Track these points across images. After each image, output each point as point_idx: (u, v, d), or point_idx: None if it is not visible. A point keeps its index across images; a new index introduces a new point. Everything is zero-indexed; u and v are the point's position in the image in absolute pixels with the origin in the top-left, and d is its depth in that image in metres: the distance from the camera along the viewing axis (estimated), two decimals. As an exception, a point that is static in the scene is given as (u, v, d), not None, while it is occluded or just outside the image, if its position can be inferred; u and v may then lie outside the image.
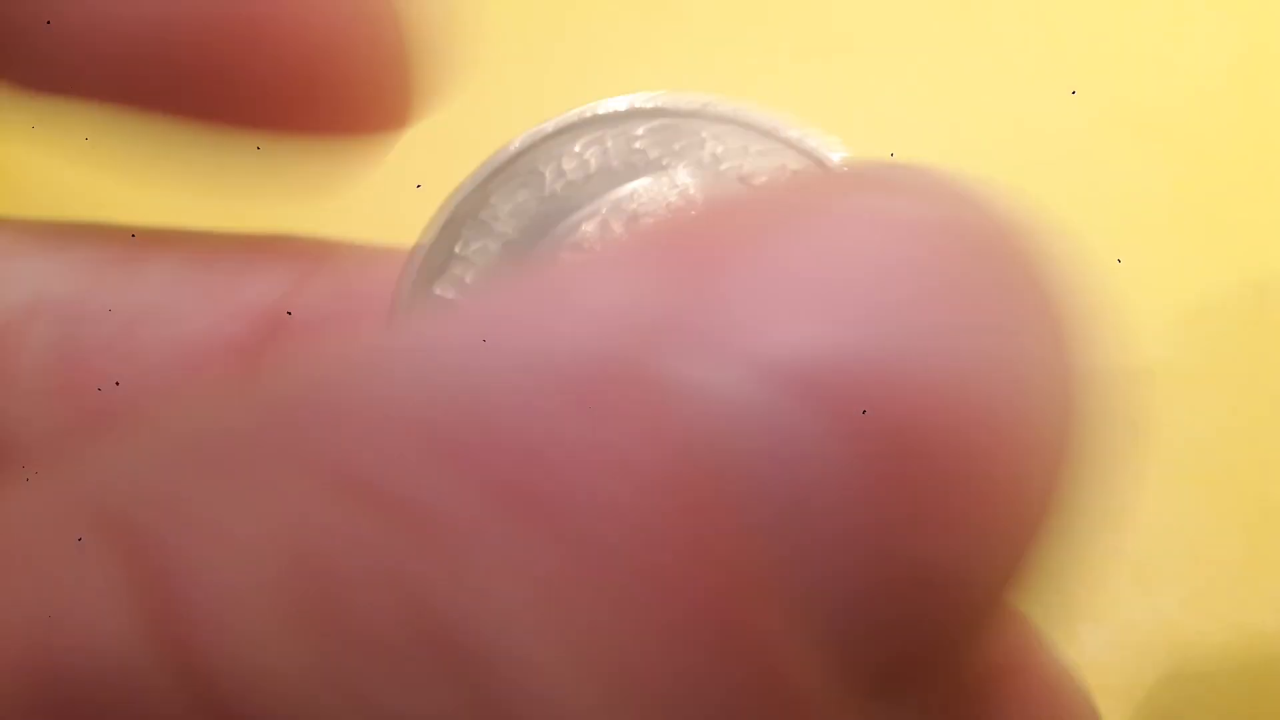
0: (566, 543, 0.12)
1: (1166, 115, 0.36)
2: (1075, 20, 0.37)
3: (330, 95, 0.20)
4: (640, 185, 0.21)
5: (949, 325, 0.13)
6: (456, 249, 0.20)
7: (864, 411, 0.12)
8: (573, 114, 0.20)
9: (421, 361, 0.13)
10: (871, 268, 0.13)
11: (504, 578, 0.12)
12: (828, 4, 0.37)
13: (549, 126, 0.20)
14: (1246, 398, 0.34)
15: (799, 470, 0.13)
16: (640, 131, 0.21)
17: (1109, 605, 0.32)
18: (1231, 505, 0.33)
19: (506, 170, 0.20)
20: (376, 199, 0.26)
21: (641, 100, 0.20)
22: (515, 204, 0.21)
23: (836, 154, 0.20)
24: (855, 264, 0.13)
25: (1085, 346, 0.13)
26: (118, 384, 0.20)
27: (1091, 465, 0.13)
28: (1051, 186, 0.36)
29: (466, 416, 0.13)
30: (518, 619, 0.12)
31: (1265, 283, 0.34)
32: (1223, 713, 0.31)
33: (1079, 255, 0.14)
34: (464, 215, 0.20)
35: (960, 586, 0.14)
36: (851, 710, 0.13)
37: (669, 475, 0.13)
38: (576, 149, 0.21)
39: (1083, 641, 0.32)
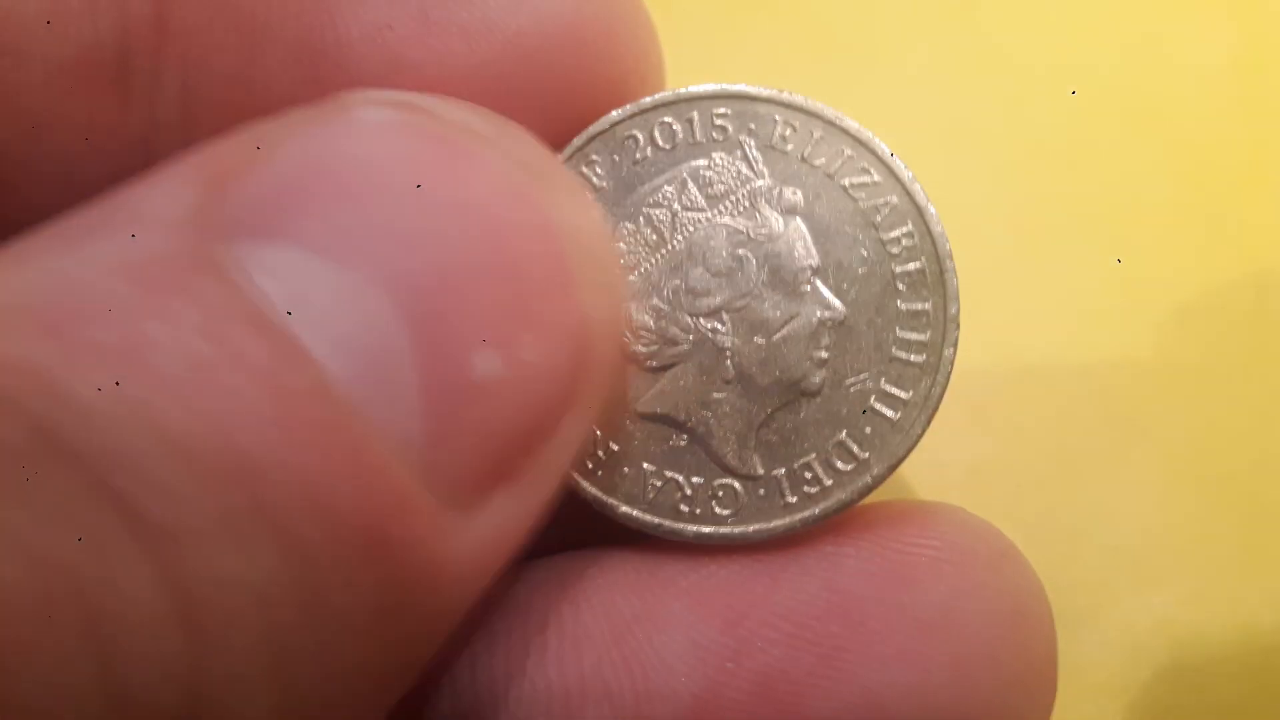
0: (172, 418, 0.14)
1: (1166, 114, 0.36)
2: (1075, 20, 0.37)
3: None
4: (717, 156, 0.23)
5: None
6: None
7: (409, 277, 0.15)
8: (667, 93, 0.23)
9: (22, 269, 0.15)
10: None
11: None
12: (828, 6, 0.37)
13: (647, 101, 0.23)
14: (1244, 397, 0.34)
15: (363, 333, 0.15)
16: (721, 111, 0.23)
17: (1107, 605, 0.32)
18: (1229, 504, 0.33)
19: (607, 134, 0.23)
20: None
21: (725, 86, 0.23)
22: (612, 163, 0.23)
23: (884, 146, 0.23)
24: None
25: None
26: None
27: None
28: (1052, 186, 0.35)
29: (63, 310, 0.14)
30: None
31: (1264, 281, 0.34)
32: (1221, 710, 0.31)
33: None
34: (570, 168, 0.23)
35: (513, 406, 0.16)
36: (447, 514, 0.16)
37: (257, 350, 0.14)
38: (668, 120, 0.23)
39: (1081, 641, 0.31)
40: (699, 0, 0.37)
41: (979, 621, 0.21)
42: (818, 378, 0.23)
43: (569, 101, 0.22)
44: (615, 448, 0.23)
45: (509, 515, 0.18)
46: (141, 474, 0.13)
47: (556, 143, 0.23)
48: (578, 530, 0.24)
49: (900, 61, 0.37)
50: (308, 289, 0.15)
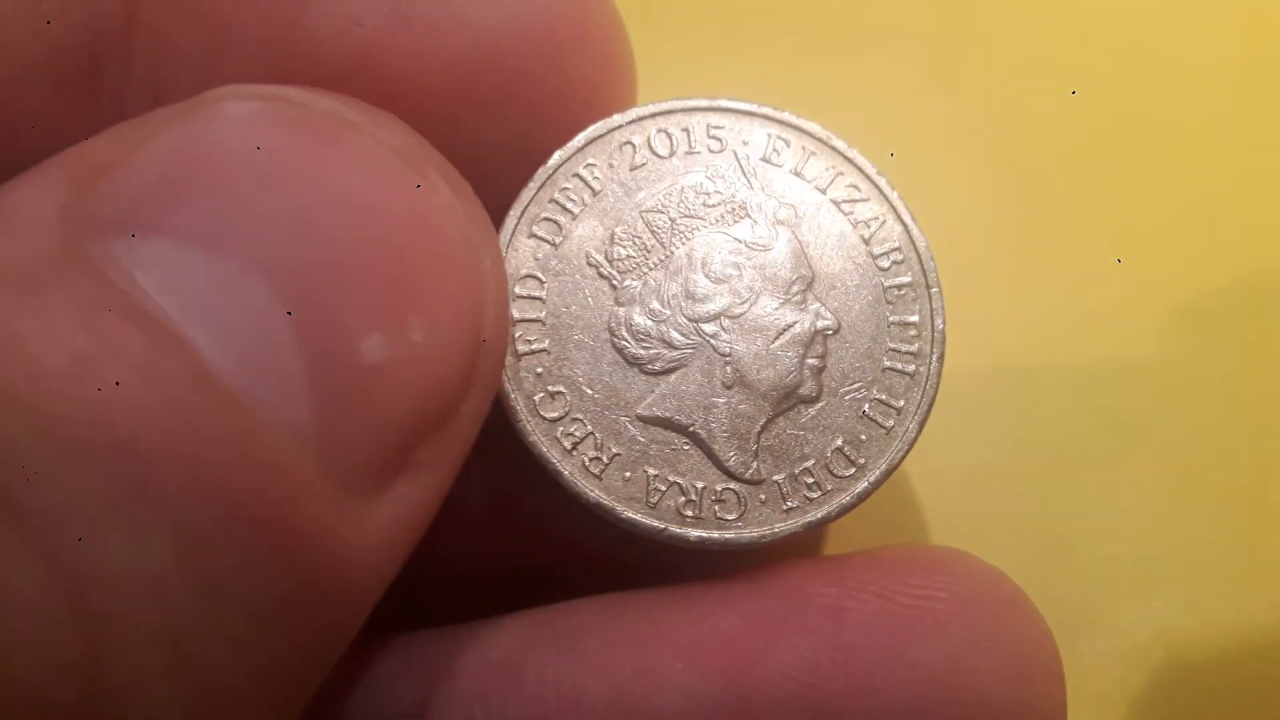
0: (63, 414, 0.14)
1: (1166, 115, 0.36)
2: (1075, 20, 0.37)
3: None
4: (713, 166, 0.24)
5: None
6: (556, 197, 0.24)
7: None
8: (665, 102, 0.24)
9: None
10: None
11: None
12: (830, 6, 0.37)
13: (646, 109, 0.24)
14: (1243, 401, 0.34)
15: (242, 320, 0.15)
16: (719, 123, 0.24)
17: (1105, 613, 0.32)
18: (1228, 511, 0.33)
19: (604, 139, 0.24)
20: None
21: (720, 100, 0.24)
22: (610, 167, 0.24)
23: (868, 162, 0.24)
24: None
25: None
26: None
27: None
28: (1049, 190, 0.35)
29: None
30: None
31: (1263, 284, 0.35)
32: (1222, 719, 0.31)
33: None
34: (567, 170, 0.24)
35: (406, 389, 0.16)
36: (346, 501, 0.16)
37: (135, 342, 0.14)
38: (665, 128, 0.24)
39: (1079, 650, 0.31)
40: (687, 3, 0.37)
41: (987, 680, 0.21)
42: (813, 385, 0.23)
43: (541, 100, 0.22)
44: (617, 452, 0.23)
45: (412, 500, 0.17)
46: (20, 466, 0.13)
47: (528, 142, 0.23)
48: (566, 567, 0.24)
49: (900, 62, 0.37)
50: (184, 280, 0.15)
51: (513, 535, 0.26)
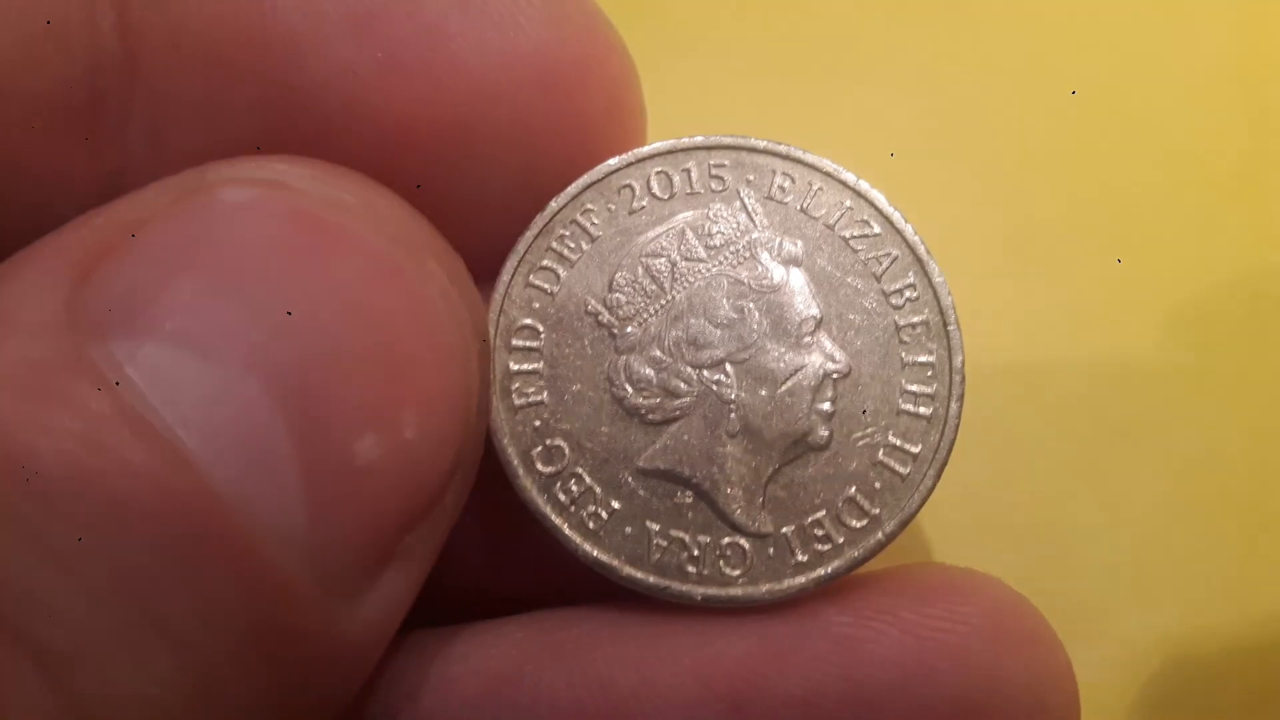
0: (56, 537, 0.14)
1: (1164, 120, 0.36)
2: (1075, 20, 0.37)
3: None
4: (716, 207, 0.23)
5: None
6: (553, 245, 0.23)
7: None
8: (663, 143, 0.23)
9: None
10: None
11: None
12: (823, 10, 0.37)
13: (643, 151, 0.23)
14: (1243, 409, 0.33)
15: (240, 428, 0.15)
16: (719, 161, 0.23)
17: (1106, 622, 0.32)
18: (1227, 517, 0.33)
19: (602, 183, 0.23)
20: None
21: (721, 138, 0.23)
22: (608, 212, 0.23)
23: (880, 195, 0.23)
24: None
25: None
26: None
27: None
28: (1049, 194, 0.34)
29: None
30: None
31: (1260, 288, 0.34)
32: None
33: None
34: (564, 217, 0.23)
35: (398, 486, 0.17)
36: (337, 603, 0.16)
37: (139, 456, 0.14)
38: (664, 169, 0.23)
39: (1080, 659, 0.30)
40: (682, 23, 0.36)
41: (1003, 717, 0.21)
42: (824, 431, 0.22)
43: (541, 143, 0.22)
44: (617, 506, 0.22)
45: (399, 588, 0.18)
46: (35, 600, 0.14)
47: (528, 184, 0.23)
48: (571, 582, 0.23)
49: (900, 62, 0.36)
50: (183, 387, 0.15)
51: (516, 559, 0.25)
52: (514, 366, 0.22)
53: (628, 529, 0.22)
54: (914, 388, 0.22)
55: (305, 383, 0.15)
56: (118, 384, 0.15)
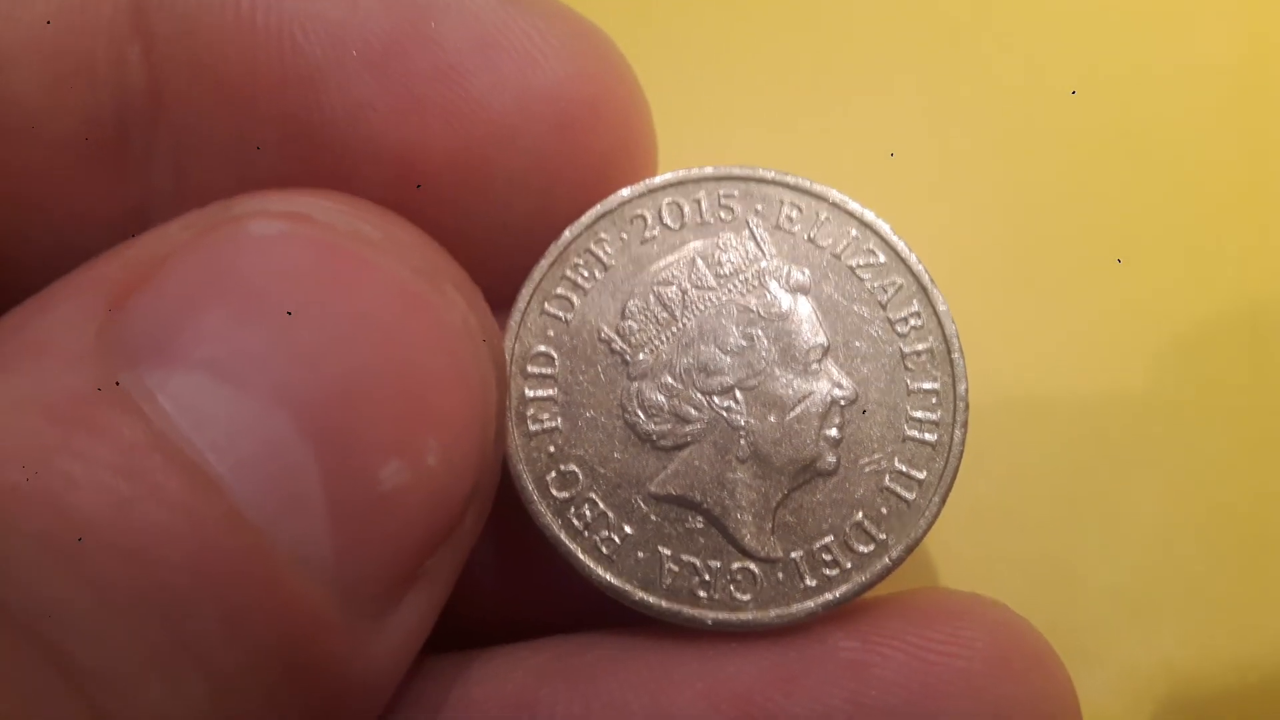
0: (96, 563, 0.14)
1: (1166, 116, 0.36)
2: (1075, 20, 0.37)
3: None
4: (725, 236, 0.23)
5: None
6: (567, 273, 0.23)
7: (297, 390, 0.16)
8: (674, 173, 0.23)
9: None
10: None
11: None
12: (825, 20, 0.37)
13: (655, 181, 0.23)
14: (1242, 432, 0.34)
15: (268, 455, 0.16)
16: (729, 192, 0.23)
17: (1108, 646, 0.32)
18: (1229, 542, 0.33)
19: (615, 213, 0.23)
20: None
21: (731, 169, 0.23)
22: (621, 241, 0.23)
23: (886, 225, 0.24)
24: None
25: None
26: None
27: None
28: (1051, 188, 0.35)
29: None
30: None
31: (1262, 315, 0.34)
32: None
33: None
34: (579, 246, 0.23)
35: (421, 512, 0.17)
36: (361, 626, 0.17)
37: (172, 484, 0.15)
38: (675, 200, 0.23)
39: (1083, 684, 0.30)
40: (691, 50, 0.36)
41: None
42: (832, 457, 0.23)
43: (556, 178, 0.22)
44: (629, 531, 0.22)
45: (421, 610, 0.18)
46: (71, 621, 0.14)
47: (543, 216, 0.23)
48: (584, 605, 0.24)
49: (901, 61, 0.36)
50: (214, 416, 0.15)
51: (530, 584, 0.26)
52: (529, 393, 0.22)
53: (640, 554, 0.22)
54: (919, 414, 0.23)
55: (331, 410, 0.16)
56: (150, 412, 0.15)
